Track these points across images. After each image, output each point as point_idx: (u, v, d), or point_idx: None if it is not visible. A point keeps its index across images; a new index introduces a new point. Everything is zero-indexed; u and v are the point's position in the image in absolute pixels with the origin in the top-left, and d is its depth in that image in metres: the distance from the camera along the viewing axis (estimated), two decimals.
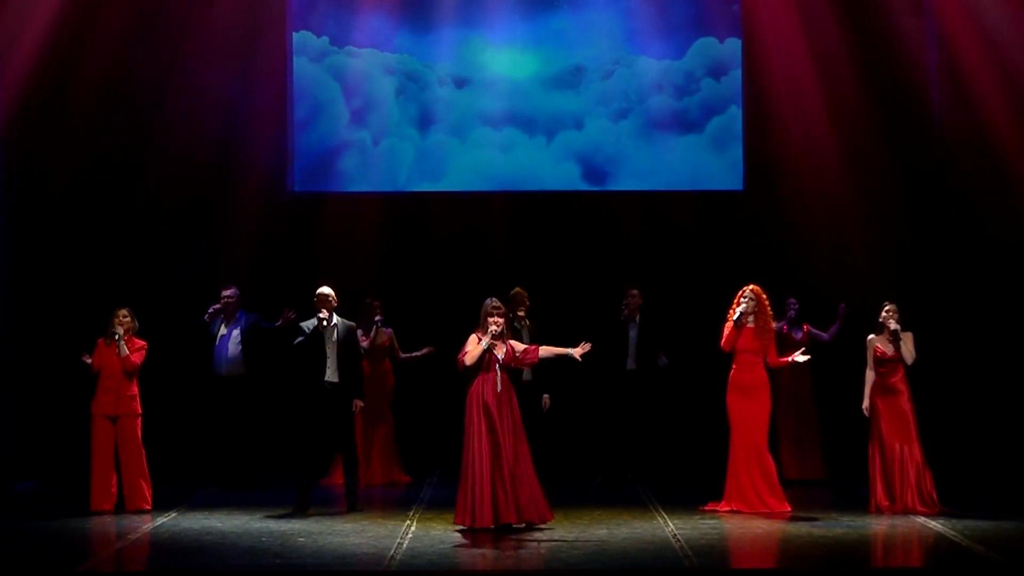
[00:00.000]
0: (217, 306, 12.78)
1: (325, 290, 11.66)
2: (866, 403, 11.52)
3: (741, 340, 11.50)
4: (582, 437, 13.53)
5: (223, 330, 12.84)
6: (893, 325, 11.46)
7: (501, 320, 10.70)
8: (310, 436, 11.66)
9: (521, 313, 12.72)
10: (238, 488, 12.59)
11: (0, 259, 13.15)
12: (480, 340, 10.67)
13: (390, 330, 13.25)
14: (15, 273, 13.43)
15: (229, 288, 12.88)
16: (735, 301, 11.58)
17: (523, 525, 10.59)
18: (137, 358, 11.71)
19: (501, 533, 10.43)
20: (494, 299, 10.84)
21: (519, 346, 10.84)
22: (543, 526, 10.63)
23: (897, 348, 11.44)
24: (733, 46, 14.47)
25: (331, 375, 11.61)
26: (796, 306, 13.25)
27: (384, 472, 13.12)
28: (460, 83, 14.50)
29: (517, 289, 12.78)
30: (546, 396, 12.60)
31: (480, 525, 10.47)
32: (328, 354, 11.60)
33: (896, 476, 11.40)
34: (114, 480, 11.67)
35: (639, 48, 14.52)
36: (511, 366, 10.75)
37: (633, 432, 13.09)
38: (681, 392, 13.78)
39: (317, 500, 11.67)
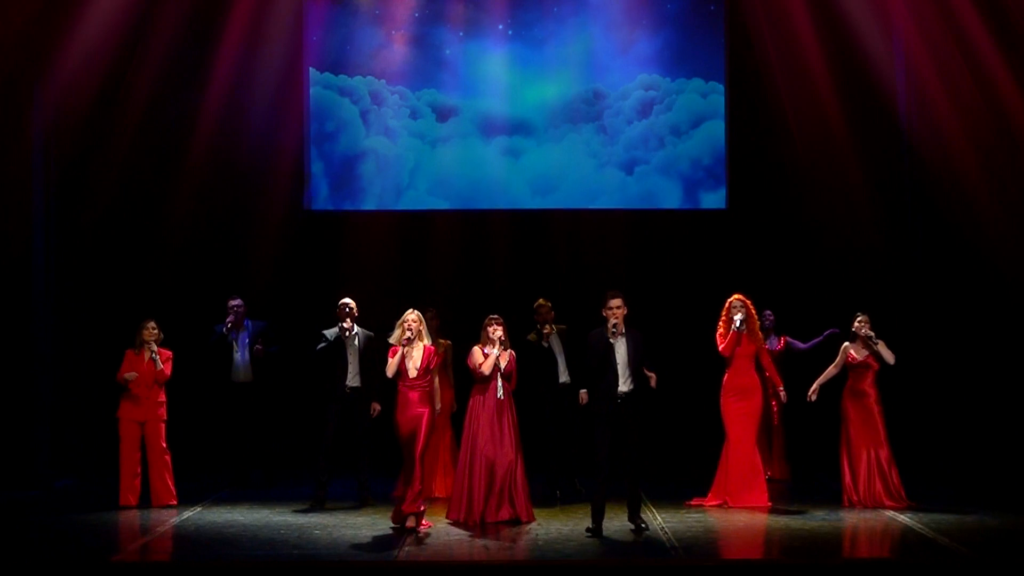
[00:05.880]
0: (230, 319, 12.78)
1: (347, 300, 11.75)
2: (813, 388, 11.49)
3: (738, 346, 11.49)
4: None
5: (236, 339, 12.84)
6: (864, 332, 11.48)
7: (500, 328, 10.76)
8: (331, 436, 11.69)
9: (547, 330, 12.04)
10: (251, 488, 12.55)
11: (39, 271, 13.17)
12: (484, 351, 10.72)
13: (447, 341, 12.33)
14: (53, 283, 13.44)
15: (235, 299, 12.82)
16: (724, 310, 11.55)
17: (512, 520, 10.62)
18: (168, 368, 11.75)
19: (500, 527, 10.46)
20: (493, 315, 10.90)
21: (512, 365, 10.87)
22: (536, 523, 10.64)
23: (873, 353, 11.44)
24: (717, 74, 14.44)
25: (352, 380, 11.69)
26: (772, 318, 13.22)
27: (443, 486, 12.22)
28: (465, 107, 14.49)
29: (540, 301, 12.29)
30: (583, 392, 11.43)
31: (471, 520, 10.56)
32: (350, 360, 11.66)
33: (864, 473, 11.40)
34: (139, 478, 11.70)
35: (628, 70, 14.47)
36: (510, 375, 10.80)
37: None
38: (671, 396, 13.73)
39: (332, 496, 11.68)
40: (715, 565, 9.19)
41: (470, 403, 10.82)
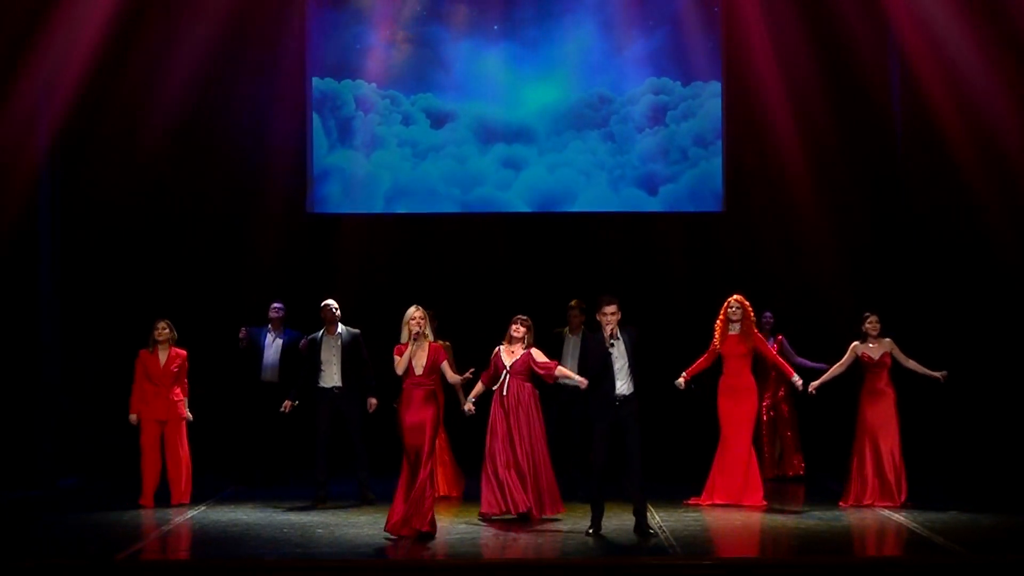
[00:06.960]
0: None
1: (329, 302, 11.83)
2: (816, 383, 11.49)
3: (727, 346, 11.49)
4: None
5: (270, 340, 12.86)
6: (875, 333, 11.50)
7: (521, 328, 10.85)
8: (323, 436, 11.74)
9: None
10: (266, 485, 12.58)
11: (46, 271, 13.19)
12: (504, 349, 10.85)
13: (446, 342, 12.13)
14: (59, 284, 13.46)
15: (277, 302, 12.91)
16: (722, 311, 11.57)
17: (539, 516, 10.68)
18: (183, 376, 11.76)
19: (501, 524, 10.50)
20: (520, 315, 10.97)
21: (540, 357, 10.89)
22: (545, 517, 10.70)
23: (886, 355, 11.44)
24: (714, 77, 14.44)
25: (334, 380, 11.75)
26: (771, 320, 13.24)
27: (444, 485, 12.18)
28: (464, 115, 14.50)
29: (574, 302, 12.30)
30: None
31: (504, 512, 10.62)
32: (330, 360, 11.74)
33: (872, 473, 11.38)
34: (158, 481, 11.69)
35: (634, 73, 14.47)
36: (534, 372, 10.84)
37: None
38: (670, 396, 13.75)
39: (333, 495, 11.71)
40: (713, 563, 9.21)
41: (493, 401, 10.93)
